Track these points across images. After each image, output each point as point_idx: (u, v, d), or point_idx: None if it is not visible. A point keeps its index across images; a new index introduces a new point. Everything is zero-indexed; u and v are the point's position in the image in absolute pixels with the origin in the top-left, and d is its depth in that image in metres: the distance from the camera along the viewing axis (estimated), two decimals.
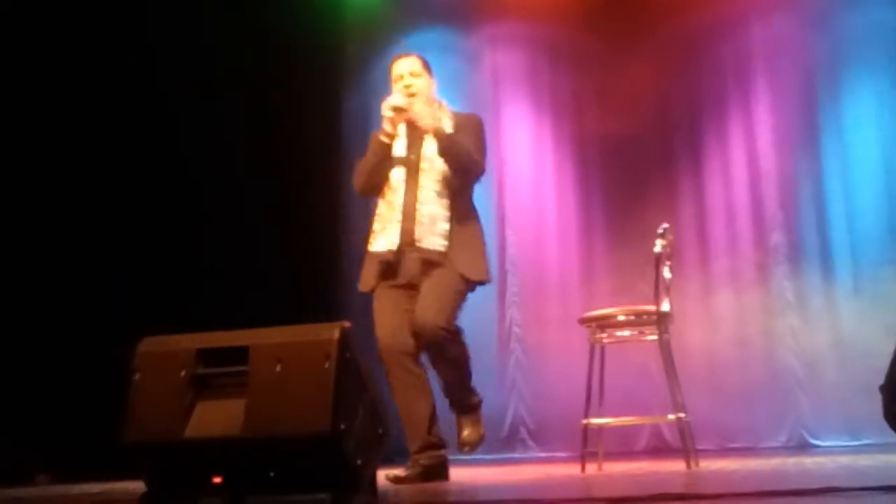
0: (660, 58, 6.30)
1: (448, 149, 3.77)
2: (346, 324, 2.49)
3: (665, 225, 4.04)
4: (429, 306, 3.74)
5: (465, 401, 3.96)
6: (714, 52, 6.31)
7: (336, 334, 2.44)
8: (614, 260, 6.15)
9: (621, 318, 4.01)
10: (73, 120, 5.62)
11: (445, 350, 3.78)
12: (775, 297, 5.97)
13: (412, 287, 3.86)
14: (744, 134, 6.22)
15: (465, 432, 3.94)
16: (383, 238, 3.84)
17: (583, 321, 4.12)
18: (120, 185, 5.74)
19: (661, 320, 3.99)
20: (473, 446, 3.92)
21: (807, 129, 6.10)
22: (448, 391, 3.93)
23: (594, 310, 4.17)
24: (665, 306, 3.99)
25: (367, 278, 3.91)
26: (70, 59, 5.61)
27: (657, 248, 3.95)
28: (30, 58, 5.51)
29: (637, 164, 6.27)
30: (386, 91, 4.01)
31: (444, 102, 3.99)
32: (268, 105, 6.23)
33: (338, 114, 6.64)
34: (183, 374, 2.54)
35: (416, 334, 3.80)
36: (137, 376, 2.60)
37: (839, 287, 5.88)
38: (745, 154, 6.19)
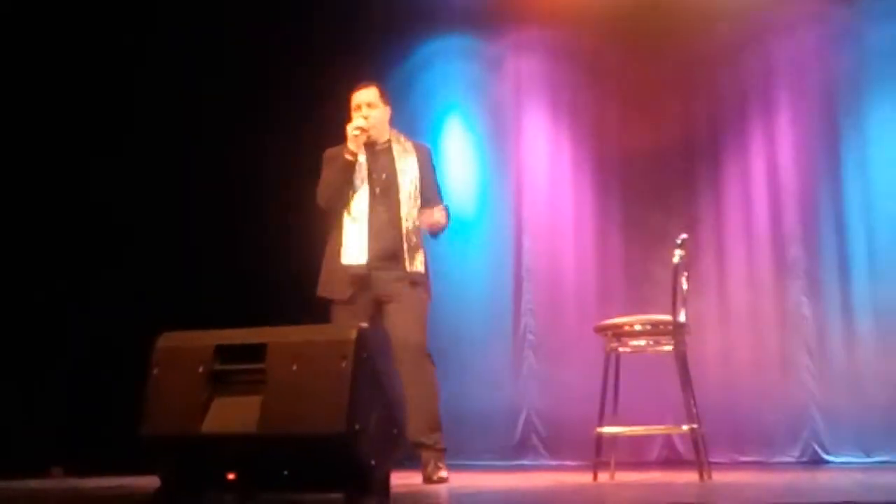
0: (681, 70, 6.28)
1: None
2: (364, 325, 2.52)
3: (684, 235, 4.04)
4: (411, 327, 3.95)
5: (439, 442, 3.98)
6: (736, 66, 6.27)
7: (353, 335, 2.46)
8: (631, 269, 6.13)
9: (637, 327, 4.00)
10: (85, 116, 5.66)
11: (426, 369, 3.95)
12: (792, 312, 5.93)
13: (377, 303, 4.01)
14: (764, 148, 6.18)
15: (445, 473, 3.94)
16: (354, 253, 3.98)
17: (598, 330, 4.12)
18: (139, 181, 5.77)
19: (678, 331, 3.98)
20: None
21: (828, 145, 6.05)
22: (425, 425, 3.93)
23: (610, 318, 4.17)
24: (682, 317, 3.98)
25: (342, 287, 4.01)
26: (74, 58, 5.64)
27: (675, 259, 3.94)
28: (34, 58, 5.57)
29: (656, 175, 6.25)
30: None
31: (398, 133, 4.21)
32: (286, 108, 6.24)
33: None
34: (200, 370, 2.57)
35: (399, 350, 3.93)
36: (155, 371, 2.63)
37: (856, 303, 5.83)
38: (766, 168, 6.16)
